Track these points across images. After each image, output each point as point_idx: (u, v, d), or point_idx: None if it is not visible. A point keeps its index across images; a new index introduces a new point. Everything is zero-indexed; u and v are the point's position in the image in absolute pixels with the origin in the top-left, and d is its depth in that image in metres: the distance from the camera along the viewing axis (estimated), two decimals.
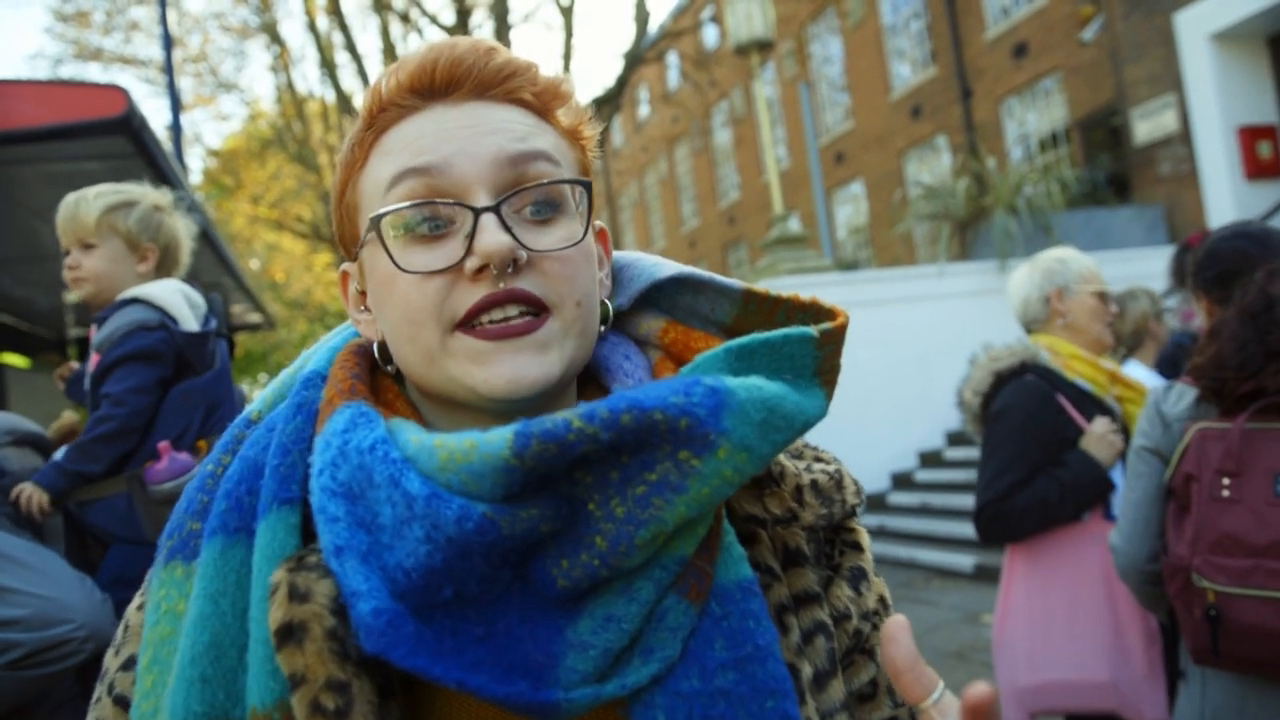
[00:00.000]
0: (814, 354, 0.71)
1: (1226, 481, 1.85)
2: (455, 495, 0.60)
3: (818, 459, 0.82)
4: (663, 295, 0.82)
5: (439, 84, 0.72)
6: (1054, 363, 2.69)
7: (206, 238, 6.67)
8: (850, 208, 22.79)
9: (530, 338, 0.68)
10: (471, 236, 0.67)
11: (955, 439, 10.27)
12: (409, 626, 0.58)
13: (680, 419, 0.60)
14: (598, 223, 0.81)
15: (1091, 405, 2.62)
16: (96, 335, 2.16)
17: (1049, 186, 11.51)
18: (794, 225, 11.94)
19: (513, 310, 0.68)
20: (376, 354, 0.77)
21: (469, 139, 0.70)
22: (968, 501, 8.73)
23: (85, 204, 2.20)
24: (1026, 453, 2.55)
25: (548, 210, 0.71)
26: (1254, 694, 1.84)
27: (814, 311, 0.77)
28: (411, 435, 0.64)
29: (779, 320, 0.77)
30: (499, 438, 0.59)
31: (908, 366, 10.20)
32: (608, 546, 0.61)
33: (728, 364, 0.69)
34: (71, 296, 2.29)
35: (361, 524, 0.62)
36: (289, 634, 0.60)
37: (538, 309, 0.68)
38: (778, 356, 0.70)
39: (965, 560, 7.85)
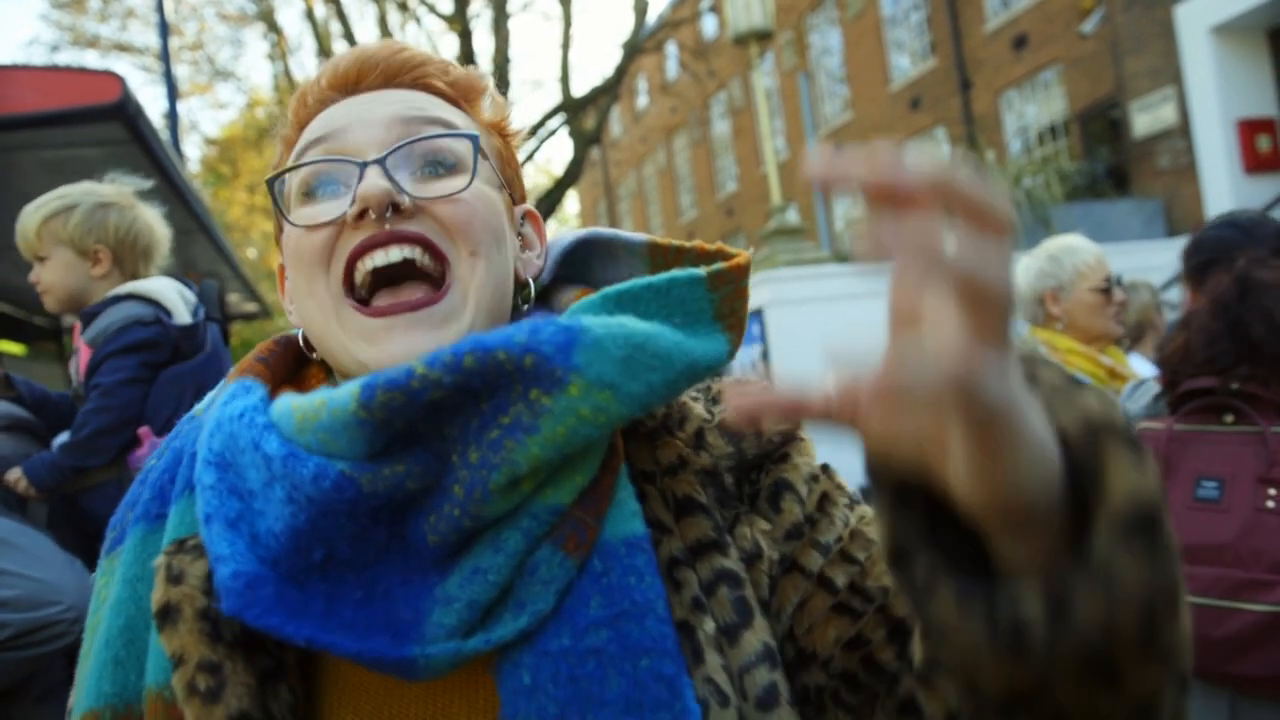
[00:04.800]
0: (707, 296, 0.69)
1: None
2: (313, 455, 0.59)
3: None
4: (589, 270, 0.82)
5: (350, 79, 0.75)
6: (1051, 358, 2.66)
7: (203, 226, 6.64)
8: (849, 199, 22.75)
9: (428, 311, 0.67)
10: (356, 187, 0.68)
11: None
12: (268, 588, 0.59)
13: (524, 356, 0.58)
14: (526, 206, 0.82)
15: None
16: (90, 330, 2.15)
17: (1048, 179, 11.51)
18: (792, 217, 11.90)
19: (395, 253, 0.68)
20: (301, 342, 0.77)
21: (367, 110, 0.72)
22: None
23: (27, 217, 2.16)
24: None
25: (441, 169, 0.71)
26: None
27: (719, 257, 0.75)
28: (279, 402, 0.64)
29: (686, 266, 0.75)
30: (346, 393, 0.59)
31: None
32: (464, 494, 0.60)
33: (604, 308, 0.67)
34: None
35: (233, 491, 0.63)
36: (166, 615, 0.62)
37: (430, 251, 0.68)
38: (666, 300, 0.68)
39: None
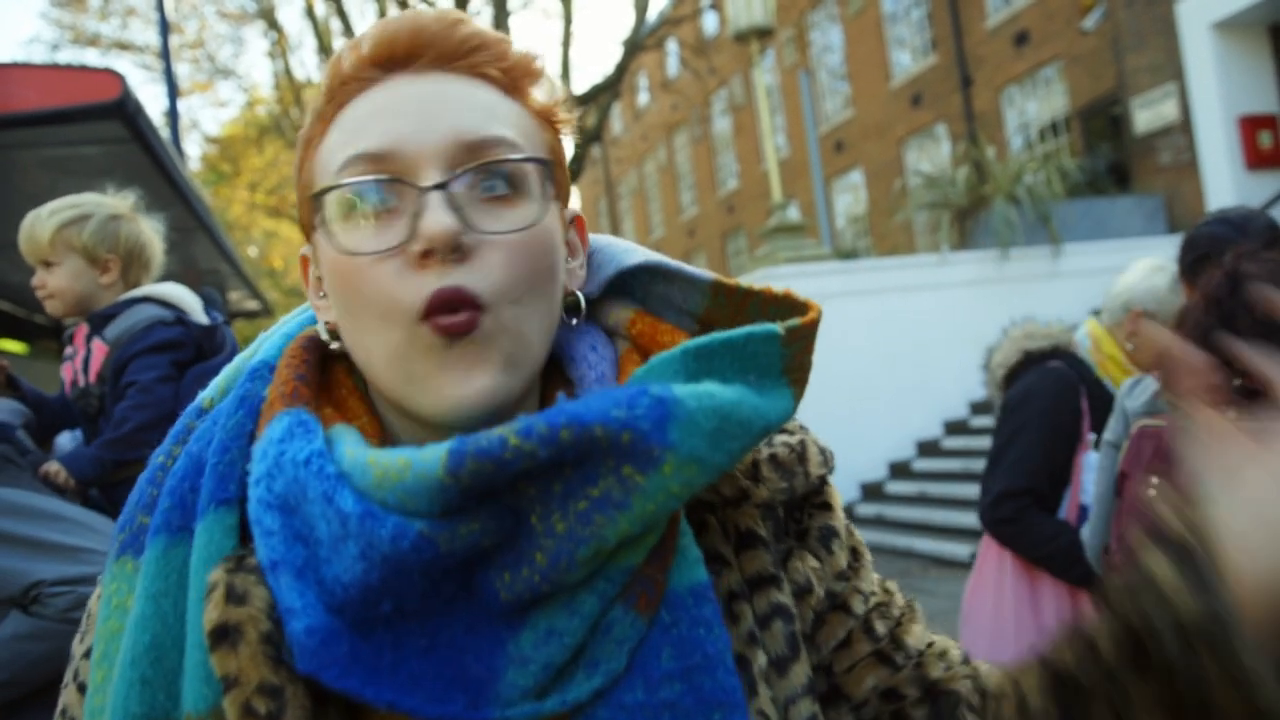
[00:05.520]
0: (780, 352, 0.68)
1: (1155, 481, 1.82)
2: (390, 513, 0.58)
3: (781, 430, 0.78)
4: (636, 284, 0.79)
5: (399, 55, 0.68)
6: (1090, 355, 2.64)
7: (203, 224, 6.64)
8: (849, 196, 22.74)
9: (472, 338, 0.64)
10: (417, 217, 0.63)
11: (954, 428, 10.28)
12: (343, 646, 0.57)
13: (622, 433, 0.57)
14: (572, 210, 0.79)
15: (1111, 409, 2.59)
16: (110, 329, 2.21)
17: (1049, 175, 11.48)
18: (793, 214, 11.90)
19: (461, 315, 0.63)
20: (330, 339, 0.73)
21: (423, 117, 0.66)
22: (966, 490, 8.73)
23: (40, 222, 2.22)
24: (1045, 441, 2.52)
25: (503, 188, 0.66)
26: None
27: (786, 304, 0.74)
28: (348, 449, 0.62)
29: (750, 312, 0.75)
30: (433, 456, 0.57)
31: (906, 355, 10.20)
32: (548, 563, 0.59)
33: (684, 366, 0.66)
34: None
35: (298, 537, 0.60)
36: (224, 635, 0.59)
37: (475, 309, 0.64)
38: (741, 356, 0.67)
39: (962, 549, 7.86)
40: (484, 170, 0.66)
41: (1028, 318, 2.77)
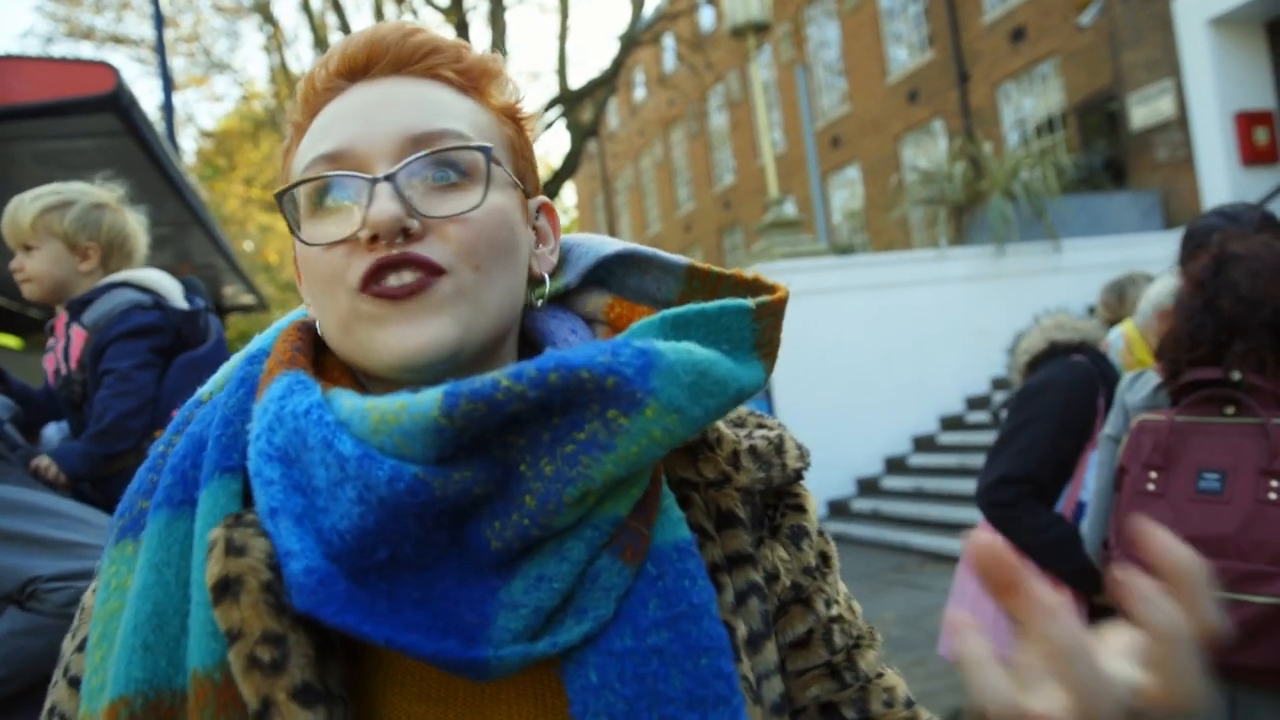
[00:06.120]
0: (751, 326, 0.72)
1: (1153, 475, 1.83)
2: (388, 457, 0.60)
3: (760, 425, 0.83)
4: (612, 276, 0.83)
5: (360, 64, 0.75)
6: (1119, 356, 2.64)
7: (198, 219, 6.63)
8: (846, 192, 22.75)
9: (420, 299, 0.68)
10: (367, 207, 0.68)
11: (950, 423, 10.29)
12: (340, 585, 0.59)
13: (607, 377, 0.61)
14: (541, 198, 0.83)
15: None
16: (88, 314, 2.19)
17: (1045, 171, 11.49)
18: (789, 209, 11.90)
19: (408, 275, 0.68)
20: (320, 332, 0.78)
21: (374, 115, 0.72)
22: (961, 486, 8.75)
23: (22, 207, 2.23)
24: (1054, 433, 2.52)
25: (453, 175, 0.71)
26: None
27: (756, 287, 0.79)
28: (346, 400, 0.65)
29: (723, 295, 0.79)
30: (429, 398, 0.60)
31: (902, 351, 10.21)
32: (536, 505, 0.62)
33: (662, 332, 0.69)
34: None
35: (297, 487, 0.63)
36: (225, 588, 0.60)
37: (432, 272, 0.69)
38: (714, 327, 0.71)
39: (958, 544, 7.87)
40: (430, 159, 0.71)
41: (1061, 308, 2.77)
